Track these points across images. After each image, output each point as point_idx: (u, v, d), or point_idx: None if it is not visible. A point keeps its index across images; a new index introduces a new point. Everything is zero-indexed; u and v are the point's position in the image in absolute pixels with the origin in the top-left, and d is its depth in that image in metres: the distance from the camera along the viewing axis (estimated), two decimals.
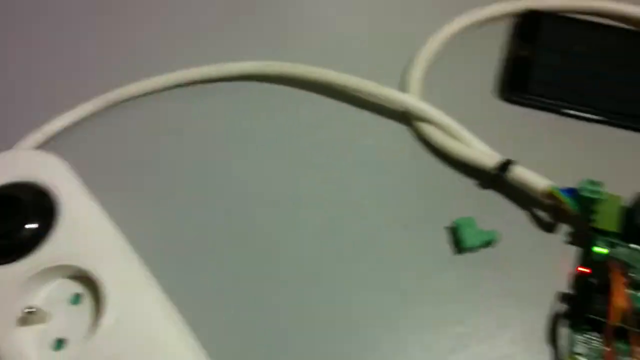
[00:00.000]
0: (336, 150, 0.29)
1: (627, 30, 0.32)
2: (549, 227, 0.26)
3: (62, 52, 0.32)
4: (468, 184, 0.27)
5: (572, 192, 0.24)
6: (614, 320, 0.21)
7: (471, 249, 0.26)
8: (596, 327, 0.23)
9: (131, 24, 0.33)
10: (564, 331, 0.24)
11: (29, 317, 0.21)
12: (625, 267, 0.23)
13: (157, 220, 0.27)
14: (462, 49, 0.32)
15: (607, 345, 0.21)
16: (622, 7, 0.32)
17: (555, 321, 0.24)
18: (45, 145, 0.28)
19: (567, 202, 0.24)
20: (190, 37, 0.33)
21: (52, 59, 0.32)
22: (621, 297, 0.21)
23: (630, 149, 0.29)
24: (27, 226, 0.23)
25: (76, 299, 0.22)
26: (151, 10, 0.34)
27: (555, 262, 0.25)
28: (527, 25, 0.32)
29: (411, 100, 0.28)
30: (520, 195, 0.27)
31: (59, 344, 0.21)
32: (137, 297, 0.22)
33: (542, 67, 0.31)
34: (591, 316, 0.22)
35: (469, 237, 0.25)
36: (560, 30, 0.32)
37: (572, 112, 0.29)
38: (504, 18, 0.33)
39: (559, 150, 0.28)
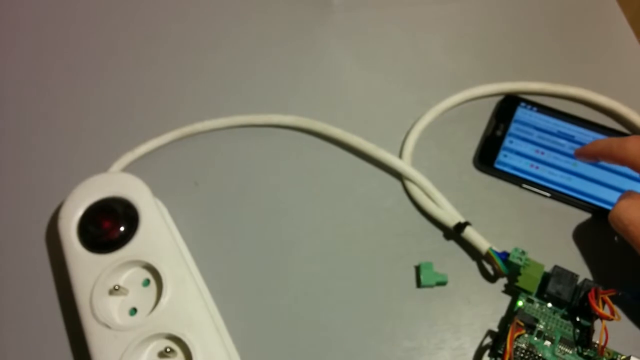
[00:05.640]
0: (340, 191, 0.38)
1: (592, 123, 0.39)
2: (490, 278, 0.34)
3: (144, 91, 0.43)
4: (436, 234, 0.36)
5: (504, 255, 0.32)
6: (505, 358, 0.29)
7: (428, 286, 0.34)
8: None
9: (205, 75, 0.44)
10: (485, 359, 0.32)
11: (115, 291, 0.32)
12: (533, 320, 0.31)
13: (211, 227, 0.37)
14: (454, 121, 0.40)
15: None
16: (592, 96, 0.39)
17: (480, 350, 0.32)
18: (131, 166, 0.39)
19: (499, 264, 0.32)
20: (247, 90, 0.42)
21: (137, 97, 0.43)
22: (509, 343, 0.29)
23: (571, 223, 0.36)
24: (119, 229, 0.34)
25: (146, 283, 0.33)
26: (221, 68, 0.44)
27: (490, 306, 0.33)
28: (505, 108, 0.39)
29: (400, 163, 0.36)
30: (472, 250, 0.35)
31: (133, 311, 0.32)
32: (184, 287, 0.32)
33: (510, 146, 0.38)
34: (499, 352, 0.31)
35: (426, 277, 0.34)
36: (532, 116, 0.39)
37: (528, 187, 0.36)
38: (493, 97, 0.40)
39: (511, 217, 0.36)
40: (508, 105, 0.40)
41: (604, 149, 0.32)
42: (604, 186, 0.36)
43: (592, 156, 0.33)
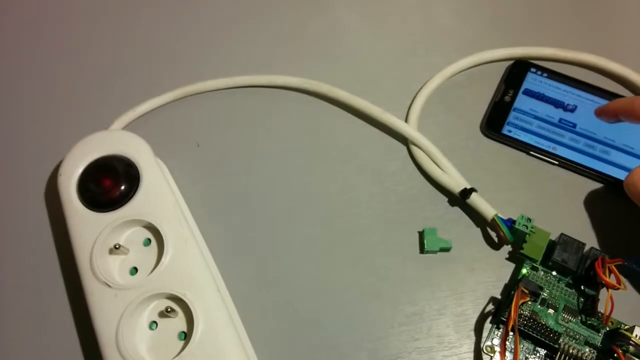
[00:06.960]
0: (344, 155, 0.37)
1: (603, 91, 0.38)
2: (494, 245, 0.34)
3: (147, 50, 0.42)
4: (441, 200, 0.35)
5: (510, 222, 0.32)
6: (509, 324, 0.29)
7: (431, 252, 0.34)
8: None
9: (209, 34, 0.43)
10: (487, 325, 0.32)
11: (115, 250, 0.32)
12: (538, 288, 0.31)
13: (213, 189, 0.37)
14: (462, 86, 0.39)
15: (503, 342, 0.29)
16: (604, 63, 0.38)
17: (482, 317, 0.32)
18: (132, 125, 0.38)
19: (504, 231, 0.32)
20: (250, 51, 0.41)
21: (140, 54, 0.42)
22: (514, 310, 0.29)
23: (579, 192, 0.35)
24: (120, 188, 0.33)
25: (147, 242, 0.33)
26: (225, 27, 0.43)
27: (494, 273, 0.33)
28: (515, 74, 0.38)
29: (406, 127, 0.36)
30: (477, 217, 0.34)
31: (134, 271, 0.32)
32: (185, 248, 0.32)
33: (518, 112, 0.37)
34: (503, 318, 0.30)
35: (430, 243, 0.33)
36: (542, 82, 0.38)
37: (536, 154, 0.36)
38: (503, 62, 0.39)
39: (518, 184, 0.36)
40: (518, 70, 0.39)
41: (626, 107, 0.31)
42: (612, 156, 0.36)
43: (612, 115, 0.32)
